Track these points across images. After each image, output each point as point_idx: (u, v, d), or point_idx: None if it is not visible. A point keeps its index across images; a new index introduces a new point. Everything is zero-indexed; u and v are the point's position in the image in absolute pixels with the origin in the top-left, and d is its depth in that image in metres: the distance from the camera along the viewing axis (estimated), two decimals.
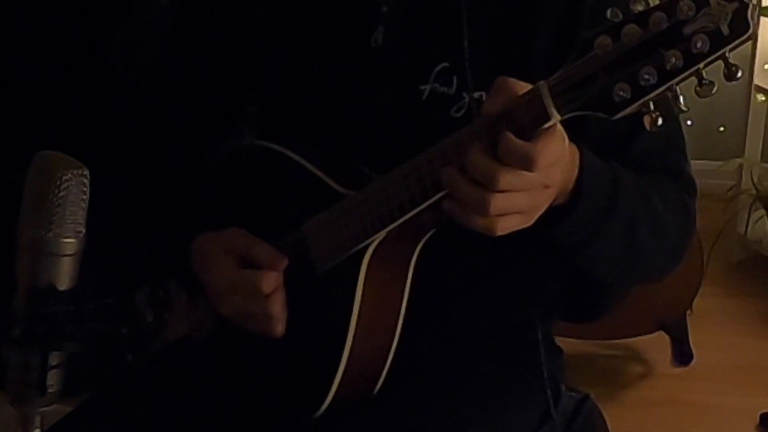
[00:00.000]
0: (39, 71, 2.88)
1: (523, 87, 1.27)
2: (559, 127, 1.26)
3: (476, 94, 1.47)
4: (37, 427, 1.22)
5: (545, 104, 1.23)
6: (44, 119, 2.91)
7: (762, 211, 3.33)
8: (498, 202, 1.25)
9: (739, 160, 3.35)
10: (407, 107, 1.51)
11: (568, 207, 1.35)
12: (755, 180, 3.33)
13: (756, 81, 3.24)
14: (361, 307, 1.45)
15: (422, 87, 1.50)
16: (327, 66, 1.55)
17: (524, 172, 1.24)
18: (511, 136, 1.24)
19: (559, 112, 1.23)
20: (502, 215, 1.26)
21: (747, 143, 3.35)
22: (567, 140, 1.28)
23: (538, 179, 1.25)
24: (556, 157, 1.26)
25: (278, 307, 1.47)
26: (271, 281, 1.46)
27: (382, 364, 1.49)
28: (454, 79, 1.49)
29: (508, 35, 1.48)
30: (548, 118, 1.24)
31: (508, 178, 1.23)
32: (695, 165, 1.57)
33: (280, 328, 1.48)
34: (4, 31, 2.88)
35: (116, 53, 2.65)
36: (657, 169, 1.51)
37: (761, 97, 3.29)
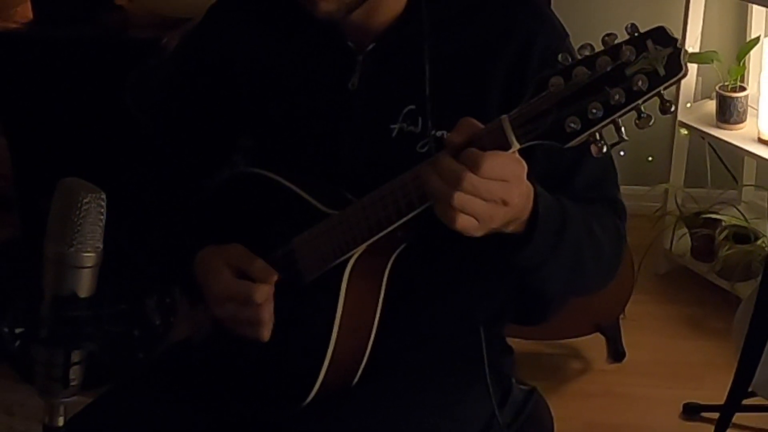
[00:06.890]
0: (65, 112, 2.88)
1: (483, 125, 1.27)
2: (517, 155, 1.26)
3: (438, 133, 1.48)
4: (61, 416, 1.21)
5: (506, 134, 1.24)
6: (69, 151, 2.90)
7: (684, 230, 3.34)
8: (460, 198, 1.24)
9: (664, 186, 3.36)
10: (379, 143, 1.51)
11: (525, 235, 1.35)
12: (679, 203, 3.34)
13: (680, 117, 3.25)
14: (343, 312, 1.45)
15: (392, 126, 1.51)
16: (311, 106, 1.55)
17: (485, 180, 1.23)
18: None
19: (518, 141, 1.24)
20: (462, 212, 1.25)
21: (672, 171, 3.36)
22: (526, 169, 1.28)
23: (497, 190, 1.24)
24: (510, 174, 1.25)
25: (267, 315, 1.46)
26: (263, 292, 1.46)
27: (360, 361, 1.49)
28: (420, 119, 1.49)
29: (466, 81, 1.48)
30: (509, 147, 1.24)
31: (470, 179, 1.23)
32: (628, 190, 1.59)
33: (266, 334, 1.47)
34: (34, 77, 2.88)
35: (129, 94, 2.65)
36: (595, 199, 1.51)
37: (684, 131, 3.30)
